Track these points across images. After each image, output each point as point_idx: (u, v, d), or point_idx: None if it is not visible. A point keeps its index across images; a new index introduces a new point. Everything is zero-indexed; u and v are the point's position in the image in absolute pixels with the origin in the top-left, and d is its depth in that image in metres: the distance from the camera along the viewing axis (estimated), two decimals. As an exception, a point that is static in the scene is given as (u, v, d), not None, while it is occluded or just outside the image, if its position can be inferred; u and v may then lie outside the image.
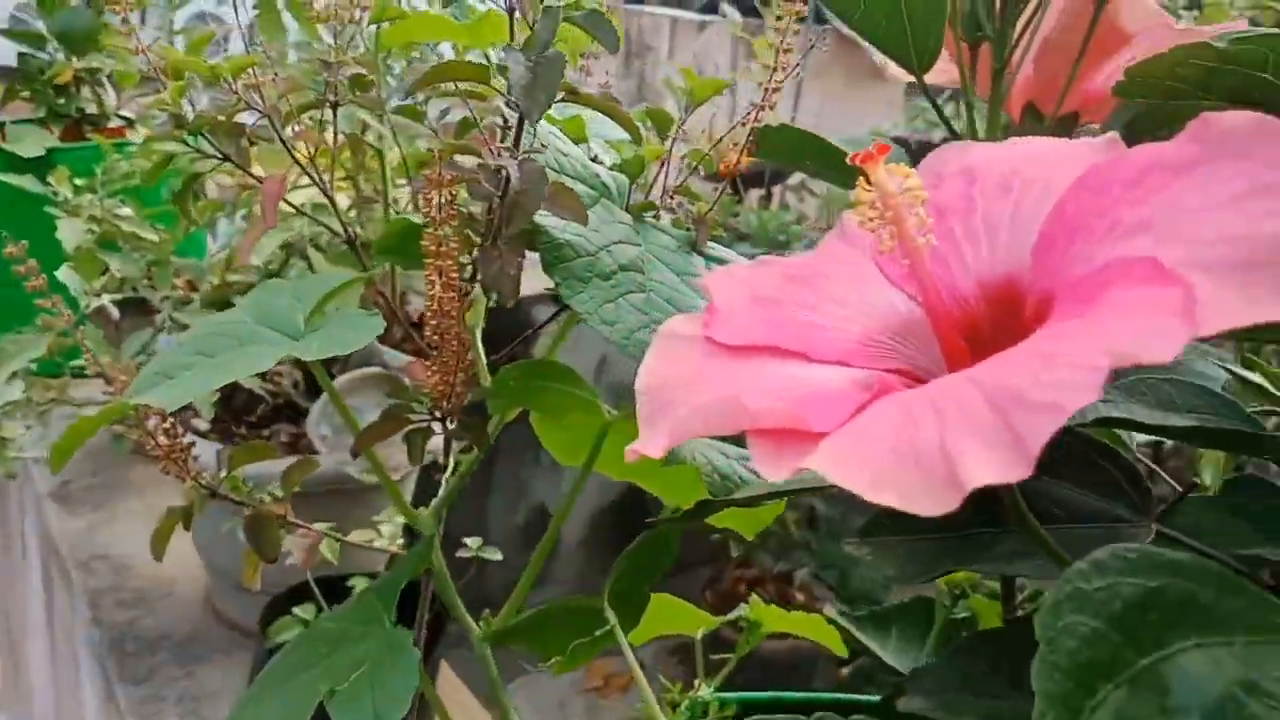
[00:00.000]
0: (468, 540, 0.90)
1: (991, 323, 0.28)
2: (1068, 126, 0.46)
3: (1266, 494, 0.31)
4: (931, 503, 0.19)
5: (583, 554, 2.18)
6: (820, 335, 0.28)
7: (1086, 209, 0.26)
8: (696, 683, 0.56)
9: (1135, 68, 0.30)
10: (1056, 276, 0.26)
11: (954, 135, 0.44)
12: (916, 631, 0.56)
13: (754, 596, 0.64)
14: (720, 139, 0.55)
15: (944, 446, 0.20)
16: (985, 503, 0.26)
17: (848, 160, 0.27)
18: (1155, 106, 0.37)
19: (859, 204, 0.26)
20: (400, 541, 0.92)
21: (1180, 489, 0.35)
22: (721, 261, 0.53)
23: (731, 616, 0.62)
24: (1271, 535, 0.31)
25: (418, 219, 0.56)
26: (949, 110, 0.46)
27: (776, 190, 2.37)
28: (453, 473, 0.59)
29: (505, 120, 0.49)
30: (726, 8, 2.64)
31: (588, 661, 0.50)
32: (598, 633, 0.47)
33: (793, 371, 0.27)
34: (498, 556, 0.92)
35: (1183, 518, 0.33)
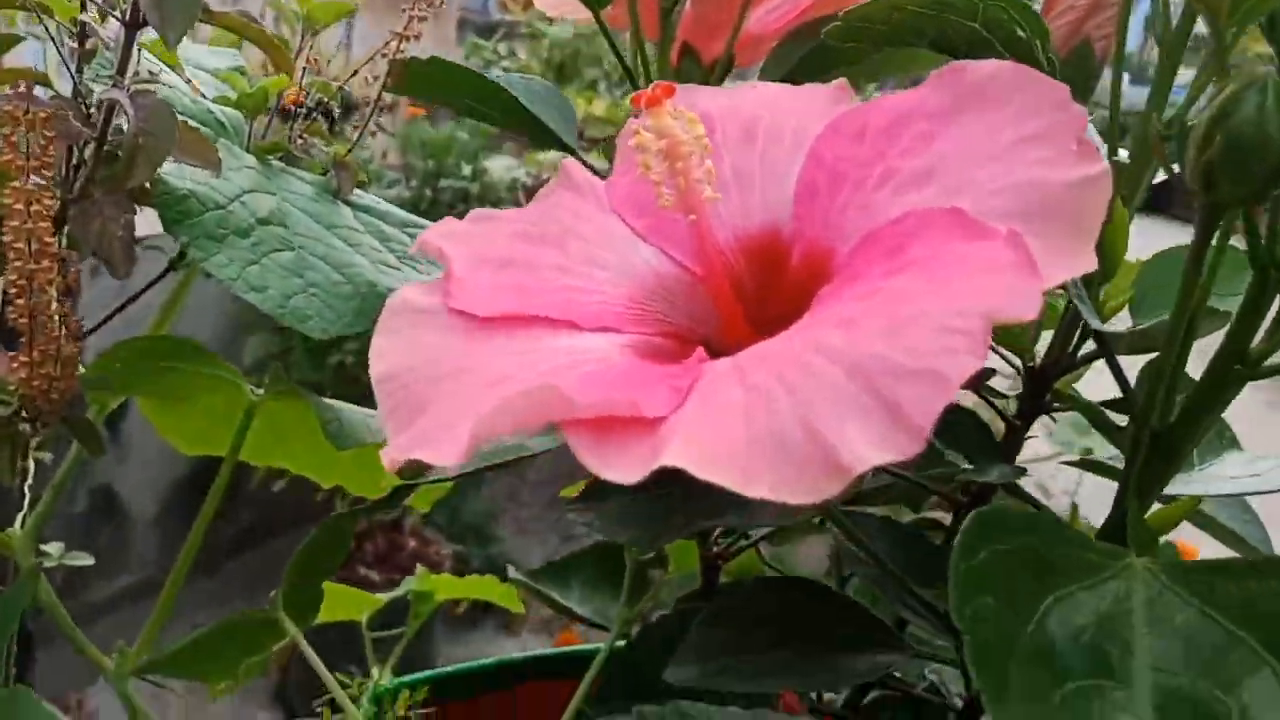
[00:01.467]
0: (48, 548, 0.75)
1: (754, 276, 0.27)
2: (725, 69, 0.46)
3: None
4: (810, 491, 0.17)
5: (159, 533, 1.97)
6: (584, 300, 0.25)
7: (847, 156, 0.25)
8: (374, 671, 0.52)
9: (852, 11, 0.30)
10: (830, 226, 0.25)
11: (629, 76, 0.42)
12: (597, 576, 0.55)
13: (420, 567, 0.60)
14: (356, 70, 0.49)
15: (812, 428, 0.18)
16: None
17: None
18: (821, 50, 0.38)
19: (640, 151, 0.23)
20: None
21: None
22: (371, 211, 0.47)
23: (399, 592, 0.57)
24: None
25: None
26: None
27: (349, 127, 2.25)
28: (34, 477, 0.48)
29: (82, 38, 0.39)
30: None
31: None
32: (275, 647, 0.41)
33: (572, 344, 0.24)
34: (88, 561, 0.78)
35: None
